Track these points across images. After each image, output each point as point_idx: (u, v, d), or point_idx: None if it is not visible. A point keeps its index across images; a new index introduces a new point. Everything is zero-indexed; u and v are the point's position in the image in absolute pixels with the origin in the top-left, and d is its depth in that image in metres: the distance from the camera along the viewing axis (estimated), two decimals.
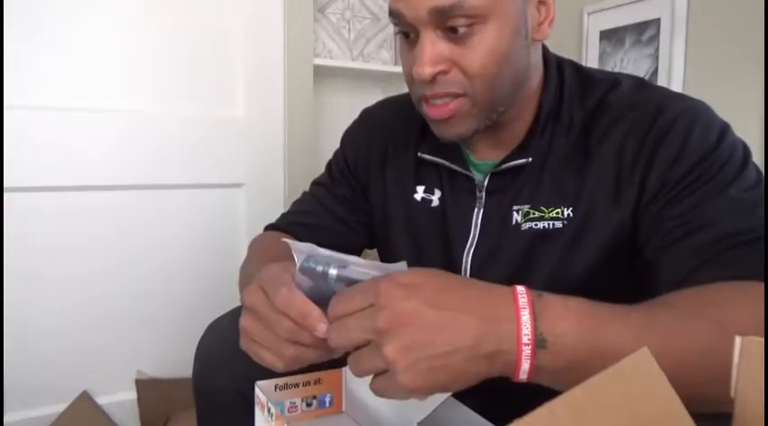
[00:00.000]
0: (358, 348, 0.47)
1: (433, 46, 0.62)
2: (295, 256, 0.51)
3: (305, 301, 0.49)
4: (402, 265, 0.48)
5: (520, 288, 0.46)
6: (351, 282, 0.49)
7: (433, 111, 0.66)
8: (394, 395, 0.46)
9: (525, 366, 0.44)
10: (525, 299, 0.45)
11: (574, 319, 0.45)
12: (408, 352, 0.43)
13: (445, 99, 0.65)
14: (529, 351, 0.44)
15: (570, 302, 0.47)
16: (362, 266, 0.49)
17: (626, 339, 0.45)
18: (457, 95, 0.64)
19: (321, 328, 0.49)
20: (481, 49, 0.62)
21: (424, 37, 0.62)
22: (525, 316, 0.44)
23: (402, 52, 0.69)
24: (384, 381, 0.46)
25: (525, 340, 0.44)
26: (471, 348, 0.44)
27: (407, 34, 0.65)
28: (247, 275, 0.73)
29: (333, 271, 0.49)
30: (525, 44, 0.66)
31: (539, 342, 0.44)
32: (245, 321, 0.53)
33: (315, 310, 0.49)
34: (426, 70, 0.62)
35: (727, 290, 0.51)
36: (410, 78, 0.67)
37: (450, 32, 0.62)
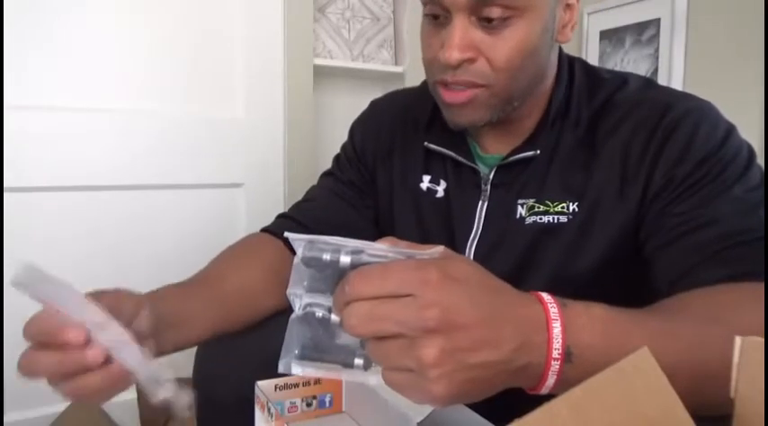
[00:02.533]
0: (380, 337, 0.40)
1: (465, 31, 0.62)
2: (295, 246, 0.42)
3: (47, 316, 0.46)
4: (436, 251, 0.41)
5: (547, 296, 0.42)
6: None
7: (449, 96, 0.66)
8: (411, 397, 0.40)
9: (551, 381, 0.41)
10: (556, 310, 0.41)
11: (599, 328, 0.42)
12: (449, 359, 0.38)
13: (464, 86, 0.64)
14: (557, 366, 0.40)
15: (594, 310, 0.43)
16: (383, 251, 0.41)
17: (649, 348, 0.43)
18: (478, 85, 0.64)
19: (72, 335, 0.44)
20: (511, 42, 0.62)
21: (457, 21, 0.62)
22: (557, 329, 0.40)
23: (425, 32, 0.67)
24: (406, 379, 0.40)
25: (555, 354, 0.40)
26: (507, 362, 0.40)
27: (436, 15, 0.64)
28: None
29: (345, 258, 0.40)
30: (550, 44, 0.66)
31: (566, 356, 0.40)
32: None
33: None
34: (455, 55, 0.62)
35: (741, 295, 0.50)
36: (431, 60, 0.66)
37: (485, 21, 0.61)
